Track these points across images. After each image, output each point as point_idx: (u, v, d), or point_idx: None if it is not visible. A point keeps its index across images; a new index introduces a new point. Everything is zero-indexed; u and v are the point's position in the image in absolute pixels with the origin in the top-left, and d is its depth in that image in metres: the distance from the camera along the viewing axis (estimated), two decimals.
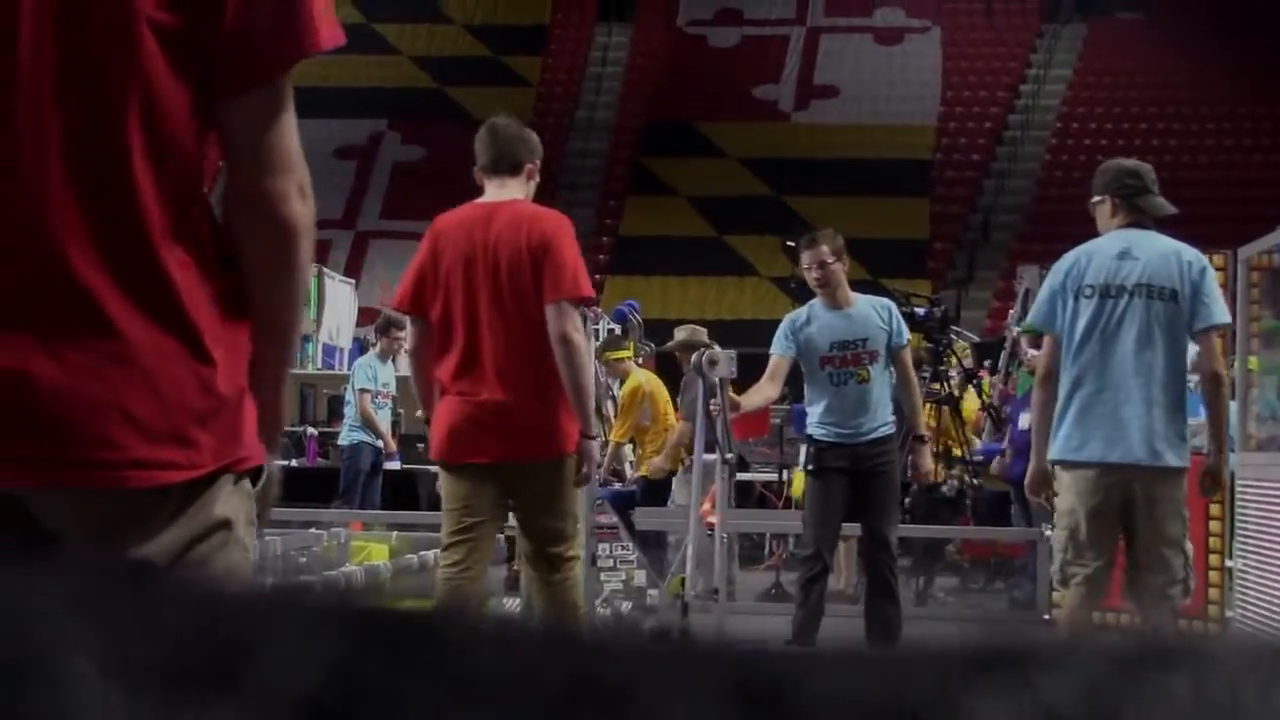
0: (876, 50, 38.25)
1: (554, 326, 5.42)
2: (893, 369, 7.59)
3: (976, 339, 13.54)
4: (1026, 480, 6.14)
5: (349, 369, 13.85)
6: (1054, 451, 5.91)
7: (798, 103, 37.09)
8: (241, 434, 1.94)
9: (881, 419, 7.46)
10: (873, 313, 7.52)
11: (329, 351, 19.30)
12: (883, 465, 7.43)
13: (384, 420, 12.35)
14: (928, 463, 8.05)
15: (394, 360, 12.75)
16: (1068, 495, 5.87)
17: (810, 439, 7.61)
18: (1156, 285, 5.83)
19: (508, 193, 5.66)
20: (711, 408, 7.93)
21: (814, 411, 7.57)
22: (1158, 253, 5.90)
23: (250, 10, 1.87)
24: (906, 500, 10.51)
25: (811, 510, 7.50)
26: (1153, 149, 34.51)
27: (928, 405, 10.79)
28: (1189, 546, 5.95)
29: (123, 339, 1.82)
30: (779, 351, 7.54)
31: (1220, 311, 5.93)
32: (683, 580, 8.39)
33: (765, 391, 7.73)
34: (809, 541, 7.46)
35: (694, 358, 8.19)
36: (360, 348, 18.16)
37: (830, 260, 7.47)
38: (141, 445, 1.82)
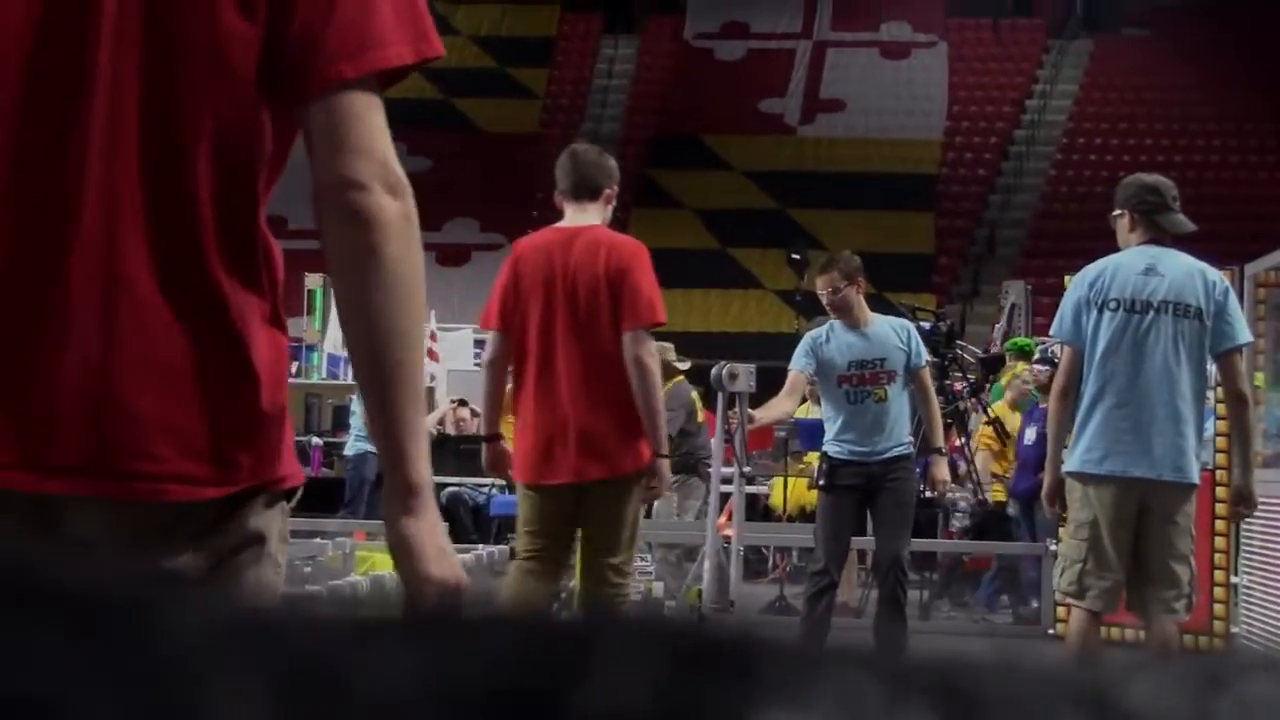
0: (883, 65, 38.27)
1: (630, 352, 5.62)
2: (912, 388, 7.71)
3: (981, 354, 13.52)
4: (1044, 490, 6.13)
5: (354, 379, 13.85)
6: (1072, 463, 5.90)
7: (804, 116, 37.11)
8: (280, 453, 1.90)
9: (897, 439, 7.58)
10: (891, 333, 7.67)
11: (334, 361, 19.29)
12: (895, 484, 7.52)
13: None
14: (942, 472, 8.11)
15: None
16: (1087, 508, 5.86)
17: (825, 455, 7.74)
18: (1183, 303, 5.84)
19: (586, 217, 5.88)
20: (730, 421, 8.10)
21: (830, 429, 7.71)
22: (1183, 270, 5.91)
23: (319, 16, 1.84)
24: (956, 518, 10.61)
25: (823, 526, 7.62)
26: (1158, 165, 34.45)
27: None
28: (1194, 561, 5.96)
29: (172, 353, 1.81)
30: (798, 367, 7.70)
31: (1244, 332, 5.95)
32: (699, 592, 8.45)
33: (783, 405, 7.96)
34: (819, 556, 7.59)
35: (714, 371, 8.35)
36: None
37: (842, 286, 7.62)
38: (182, 460, 1.80)
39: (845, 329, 7.65)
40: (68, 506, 1.79)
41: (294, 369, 20.21)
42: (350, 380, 15.28)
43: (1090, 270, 6.04)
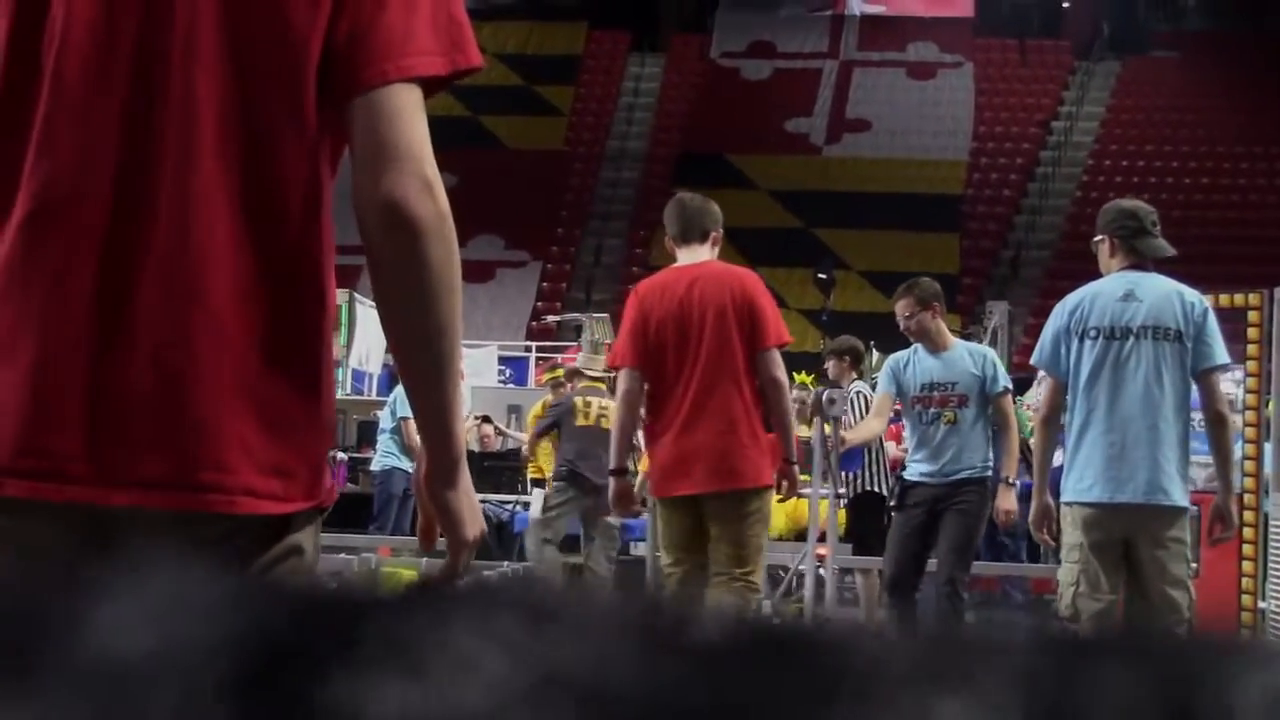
0: (909, 85, 38.27)
1: (765, 372, 6.17)
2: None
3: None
4: (1031, 517, 6.18)
5: (378, 394, 13.88)
6: (1066, 493, 5.95)
7: (829, 136, 37.12)
8: (325, 469, 1.95)
9: (968, 462, 7.73)
10: (967, 358, 7.91)
11: (358, 376, 19.32)
12: (961, 506, 7.67)
13: None
14: (1006, 503, 8.12)
15: (396, 381, 12.75)
16: (1074, 531, 5.90)
17: (899, 477, 8.12)
18: (1162, 326, 5.88)
19: (698, 257, 6.40)
20: (830, 444, 8.41)
21: (910, 451, 8.06)
22: (1161, 294, 5.95)
23: (366, 18, 1.88)
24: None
25: (890, 545, 7.91)
26: (1184, 187, 34.44)
27: None
28: (1192, 587, 5.95)
29: (246, 367, 1.84)
30: (883, 389, 8.10)
31: (1221, 353, 5.98)
32: (801, 609, 8.60)
33: (871, 426, 8.49)
34: (886, 576, 7.92)
35: (812, 397, 8.65)
36: (390, 373, 18.19)
37: (915, 311, 7.86)
38: (253, 473, 1.84)
39: (926, 353, 7.88)
40: (123, 518, 1.81)
41: None
42: (375, 396, 15.30)
43: (1070, 299, 6.10)
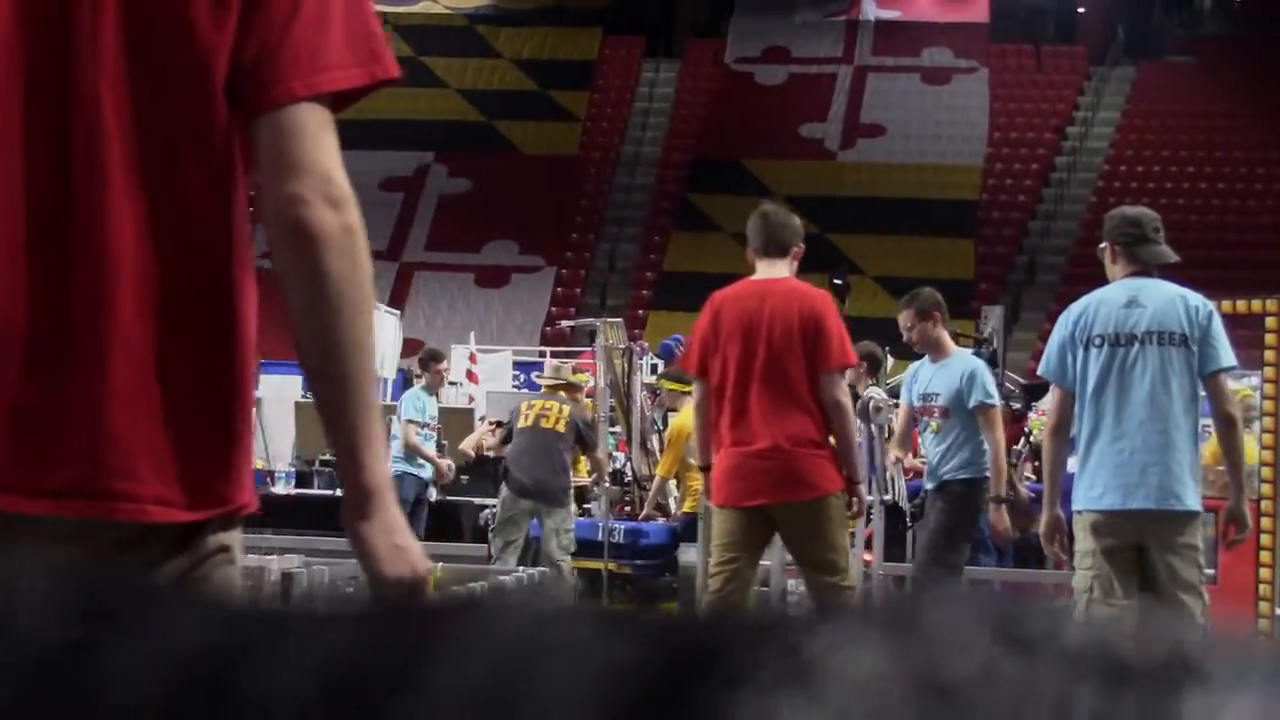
0: (924, 90, 38.23)
1: (828, 393, 6.32)
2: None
3: (1023, 380, 13.47)
4: (1042, 529, 6.18)
5: (393, 400, 13.88)
6: (1077, 502, 5.95)
7: (844, 141, 37.10)
8: (246, 480, 1.97)
9: (948, 468, 8.11)
10: (954, 369, 8.17)
11: (400, 386, 19.35)
12: (938, 508, 8.07)
13: (430, 450, 12.40)
14: (1001, 521, 8.26)
15: (439, 393, 12.75)
16: (1086, 538, 5.90)
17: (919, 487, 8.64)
18: (1166, 331, 5.89)
19: (776, 271, 6.55)
20: (884, 456, 8.71)
21: None
22: (1165, 299, 5.95)
23: (275, 34, 1.88)
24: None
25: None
26: (1200, 193, 34.37)
27: None
28: (1205, 592, 5.94)
29: (161, 379, 1.87)
30: (902, 402, 8.62)
31: (1227, 355, 5.97)
32: None
33: (898, 436, 8.93)
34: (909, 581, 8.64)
35: (858, 404, 8.89)
36: (405, 379, 18.18)
37: (915, 322, 8.17)
38: (164, 482, 1.87)
39: (929, 362, 8.22)
40: (47, 522, 1.84)
41: None
42: (390, 402, 15.28)
43: (1074, 309, 6.13)
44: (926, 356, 8.24)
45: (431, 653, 0.54)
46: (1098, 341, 5.94)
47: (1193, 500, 5.84)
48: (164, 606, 0.57)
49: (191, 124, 1.88)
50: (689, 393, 11.97)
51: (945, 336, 8.26)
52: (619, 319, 13.93)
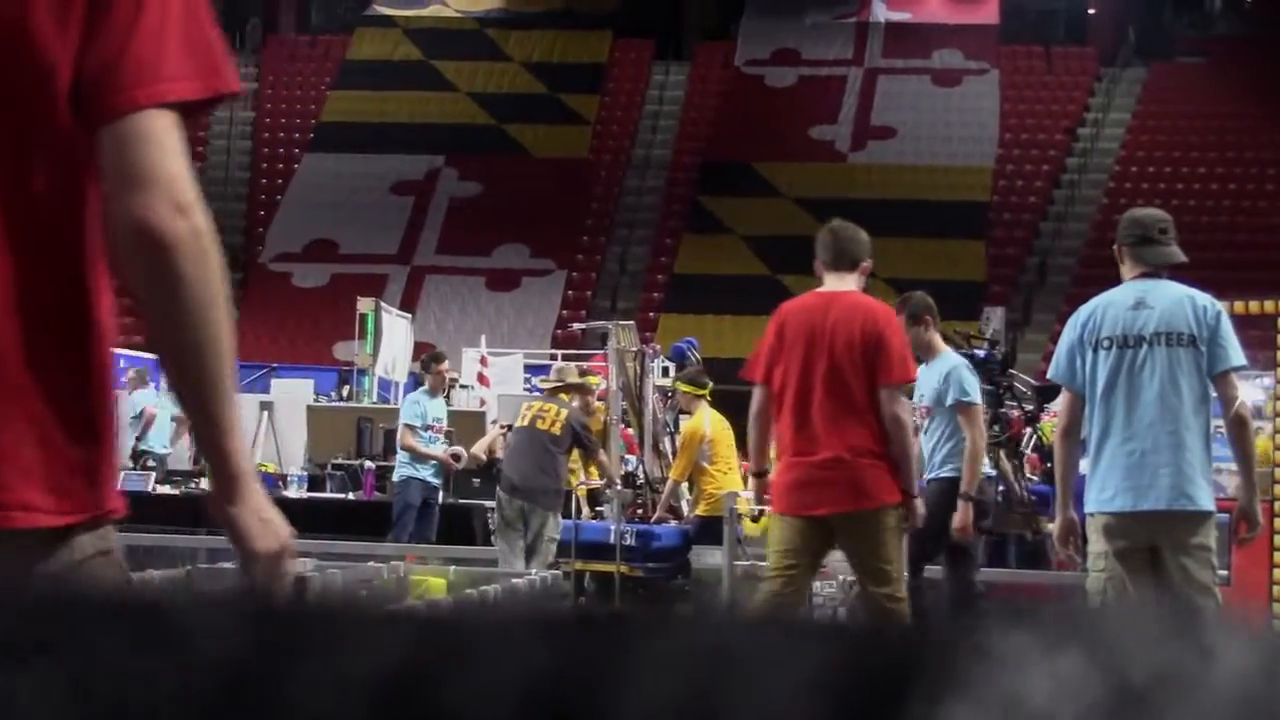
0: (934, 92, 38.21)
1: (888, 408, 6.46)
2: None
3: (1034, 382, 13.45)
4: (1056, 533, 6.18)
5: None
6: (1089, 504, 5.95)
7: (854, 143, 37.08)
8: (113, 487, 2.01)
9: (932, 467, 8.40)
10: (936, 370, 8.44)
11: (385, 386, 19.35)
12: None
13: (436, 450, 12.40)
14: (959, 519, 8.38)
15: (447, 395, 12.75)
16: (1099, 540, 5.90)
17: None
18: (1174, 331, 5.89)
19: (844, 285, 6.71)
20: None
21: None
22: (1172, 300, 5.96)
23: (116, 46, 1.91)
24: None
25: None
26: (1212, 194, 34.32)
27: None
28: (1219, 593, 5.94)
29: (21, 388, 1.90)
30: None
31: (1236, 355, 5.97)
32: None
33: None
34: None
35: None
36: (416, 382, 18.19)
37: (908, 325, 8.27)
38: (29, 489, 1.90)
39: (923, 366, 8.34)
40: None
41: (345, 393, 20.26)
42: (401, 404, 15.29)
43: (1082, 311, 6.15)
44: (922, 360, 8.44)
45: (631, 664, 0.55)
46: (1106, 343, 5.95)
47: (1205, 500, 5.83)
48: (354, 624, 0.58)
49: (35, 131, 1.91)
50: (704, 396, 11.99)
51: (937, 339, 8.51)
52: (630, 321, 13.93)
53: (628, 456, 13.60)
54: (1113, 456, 5.88)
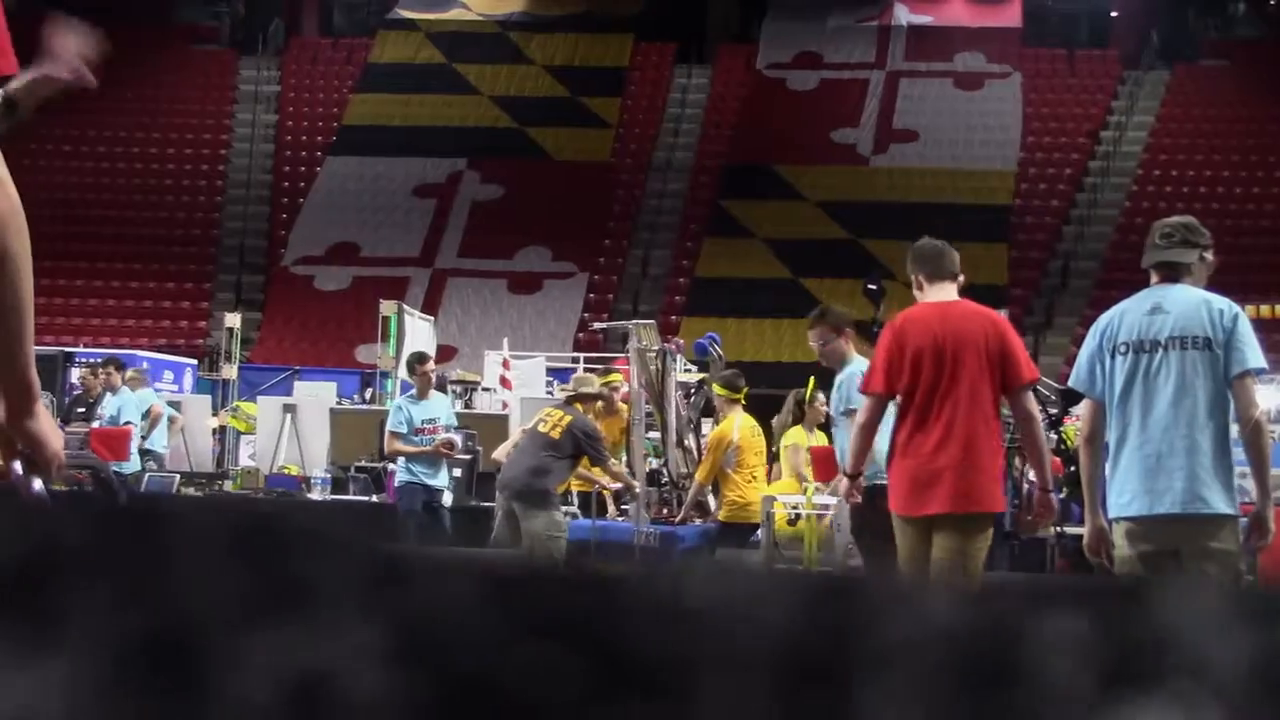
0: (956, 95, 38.16)
1: (1021, 408, 6.82)
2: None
3: (1058, 386, 13.42)
4: (1085, 541, 6.18)
5: None
6: (1110, 509, 5.96)
7: (877, 146, 37.05)
8: None
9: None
10: (837, 379, 8.84)
11: (406, 387, 19.36)
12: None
13: (416, 446, 12.29)
14: (842, 489, 8.85)
15: (468, 399, 12.73)
16: (1123, 545, 5.91)
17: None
18: (1190, 335, 5.90)
19: (948, 294, 7.04)
20: None
21: None
22: (1188, 304, 5.98)
23: None
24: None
25: None
26: (1235, 197, 34.22)
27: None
28: None
29: None
30: None
31: (1254, 357, 5.95)
32: None
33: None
34: None
35: None
36: (439, 384, 18.20)
37: (831, 338, 8.86)
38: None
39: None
40: None
41: (368, 396, 20.30)
42: None
43: (1102, 319, 6.20)
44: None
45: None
46: (1123, 349, 5.98)
47: (1221, 503, 5.81)
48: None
49: None
50: (738, 400, 11.99)
51: (851, 351, 8.87)
52: (651, 321, 13.93)
53: (652, 458, 13.59)
54: (1129, 461, 5.89)
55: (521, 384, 18.76)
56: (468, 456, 13.01)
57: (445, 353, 26.84)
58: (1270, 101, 35.42)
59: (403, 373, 18.59)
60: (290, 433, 15.01)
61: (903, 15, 39.89)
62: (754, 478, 11.68)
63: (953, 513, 6.64)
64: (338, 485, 13.91)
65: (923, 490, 6.70)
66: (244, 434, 18.51)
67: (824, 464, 10.36)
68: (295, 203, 36.60)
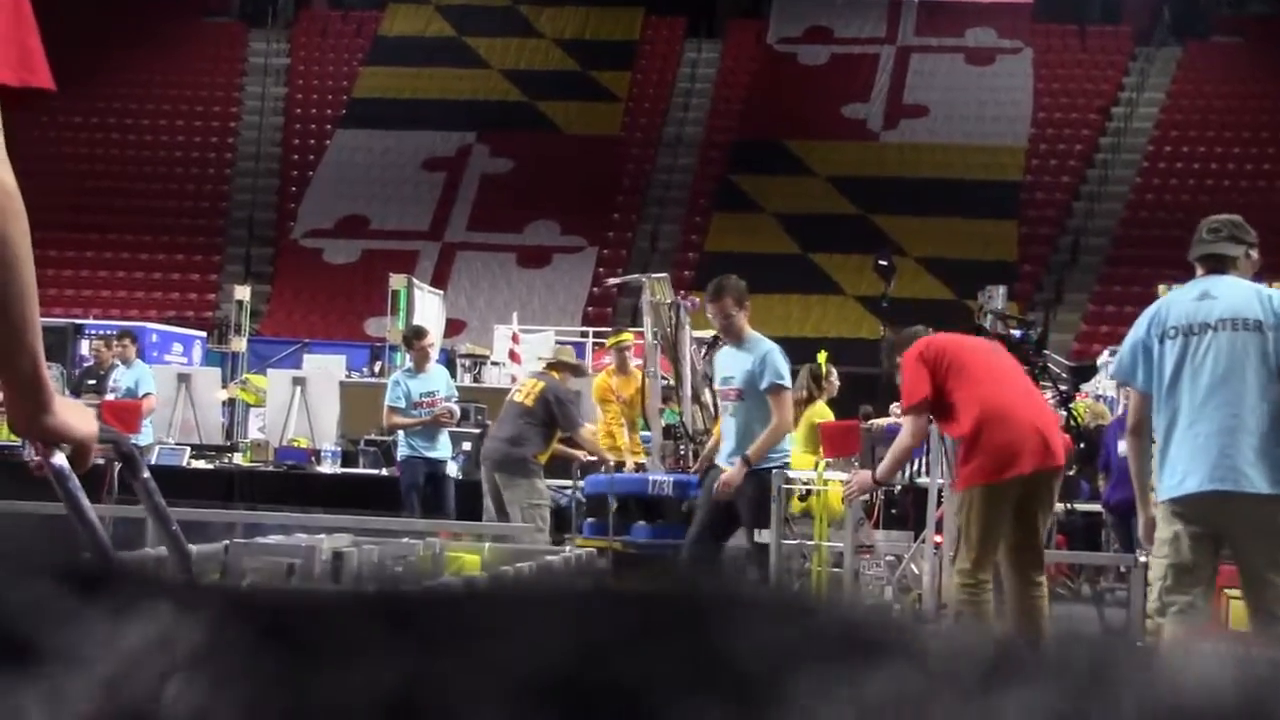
0: (967, 70, 38.07)
1: None
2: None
3: (1067, 363, 13.43)
4: (1140, 531, 6.19)
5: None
6: (1161, 492, 5.93)
7: (887, 122, 36.98)
8: None
9: (741, 448, 8.59)
10: (750, 354, 8.63)
11: None
12: (747, 491, 8.54)
13: (413, 419, 12.29)
14: (728, 475, 8.67)
15: (478, 372, 12.72)
16: (1166, 526, 5.87)
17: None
18: (1240, 317, 5.88)
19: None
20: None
21: None
22: (1237, 290, 5.99)
23: None
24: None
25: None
26: (1246, 174, 34.14)
27: None
28: None
29: None
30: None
31: None
32: (919, 597, 8.80)
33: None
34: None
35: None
36: (447, 357, 18.23)
37: (734, 312, 8.64)
38: None
39: (728, 348, 8.72)
40: None
41: (377, 369, 20.31)
42: None
43: (1149, 310, 6.19)
44: (727, 344, 8.72)
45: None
46: (1172, 333, 5.96)
47: (1265, 483, 5.79)
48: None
49: None
50: None
51: (746, 323, 8.70)
52: (664, 274, 13.87)
53: (665, 407, 13.51)
54: (1180, 442, 5.87)
55: (531, 358, 18.75)
56: (476, 430, 13.02)
57: (454, 326, 26.84)
58: None
59: (405, 348, 18.62)
60: (300, 405, 15.00)
61: None
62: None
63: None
64: (348, 458, 13.92)
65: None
66: (253, 406, 18.52)
67: (835, 440, 10.34)
68: (305, 176, 36.57)
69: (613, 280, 22.99)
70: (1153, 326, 6.02)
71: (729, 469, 8.62)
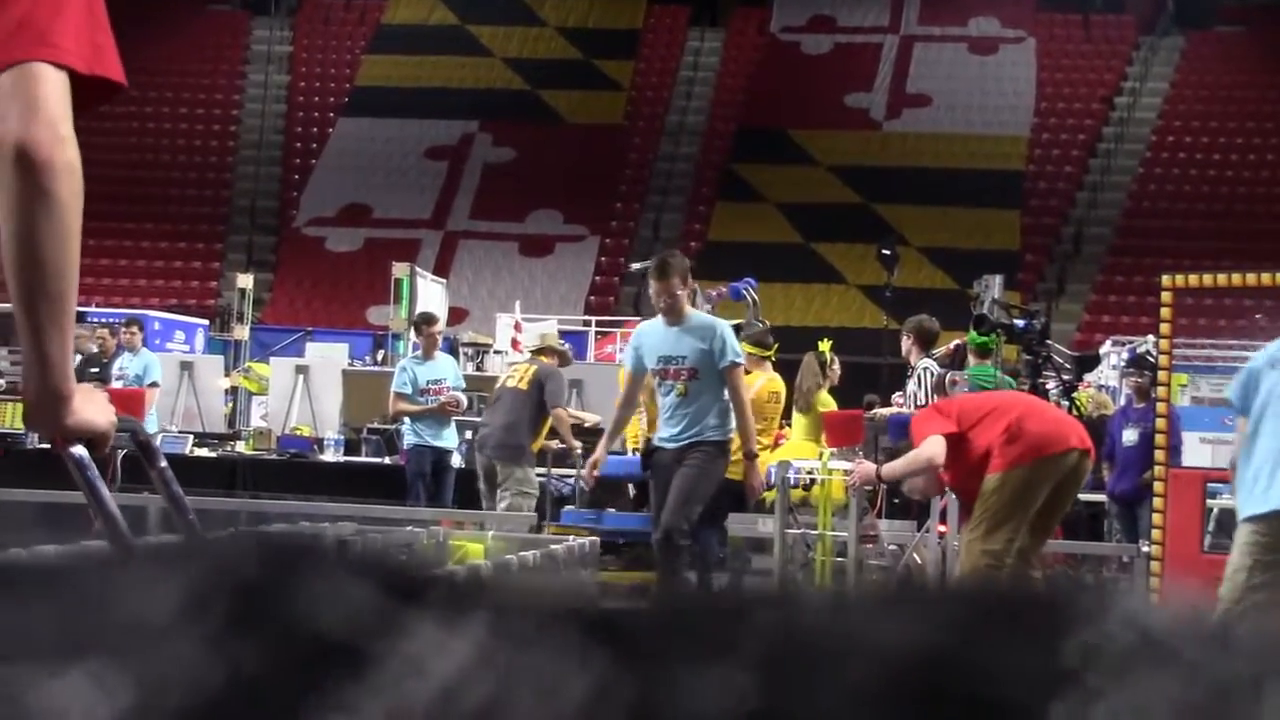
0: (970, 60, 38.02)
1: None
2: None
3: (1070, 353, 13.43)
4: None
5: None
6: (1241, 512, 6.08)
7: (889, 111, 36.94)
8: None
9: (698, 433, 8.34)
10: (700, 332, 8.36)
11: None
12: (693, 467, 8.27)
13: (420, 406, 12.30)
14: (752, 479, 8.57)
15: (480, 361, 12.72)
16: (1246, 553, 6.03)
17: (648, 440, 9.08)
18: None
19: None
20: None
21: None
22: None
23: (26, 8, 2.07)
24: None
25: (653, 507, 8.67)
26: (1250, 164, 34.09)
27: None
28: None
29: None
30: (626, 364, 8.90)
31: None
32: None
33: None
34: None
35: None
36: (450, 346, 18.21)
37: (680, 291, 8.31)
38: None
39: (664, 326, 8.35)
40: None
41: (379, 357, 20.32)
42: None
43: (1273, 343, 6.32)
44: (659, 319, 8.37)
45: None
46: (1269, 364, 6.11)
47: None
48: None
49: None
50: (768, 358, 11.97)
51: (687, 302, 8.46)
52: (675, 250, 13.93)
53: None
54: (1261, 456, 5.99)
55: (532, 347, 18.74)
56: (479, 419, 13.03)
57: (456, 315, 26.82)
58: None
59: (415, 335, 18.62)
60: (302, 394, 15.02)
61: None
62: (764, 440, 11.67)
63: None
64: (350, 447, 13.92)
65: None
66: (256, 395, 18.52)
67: (839, 430, 10.33)
68: (307, 164, 36.55)
69: (636, 265, 22.92)
70: (1268, 356, 6.21)
71: (733, 468, 8.56)
